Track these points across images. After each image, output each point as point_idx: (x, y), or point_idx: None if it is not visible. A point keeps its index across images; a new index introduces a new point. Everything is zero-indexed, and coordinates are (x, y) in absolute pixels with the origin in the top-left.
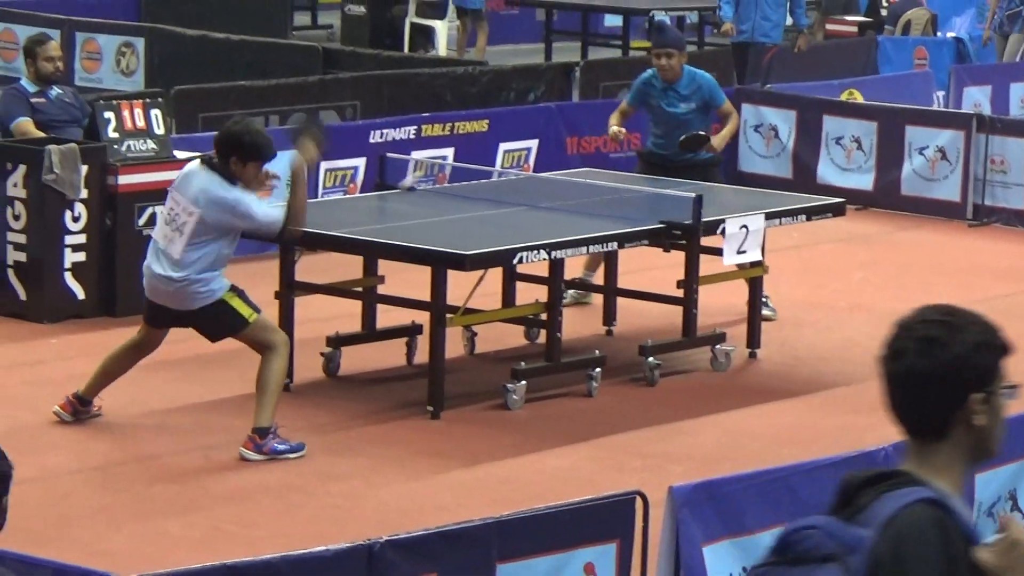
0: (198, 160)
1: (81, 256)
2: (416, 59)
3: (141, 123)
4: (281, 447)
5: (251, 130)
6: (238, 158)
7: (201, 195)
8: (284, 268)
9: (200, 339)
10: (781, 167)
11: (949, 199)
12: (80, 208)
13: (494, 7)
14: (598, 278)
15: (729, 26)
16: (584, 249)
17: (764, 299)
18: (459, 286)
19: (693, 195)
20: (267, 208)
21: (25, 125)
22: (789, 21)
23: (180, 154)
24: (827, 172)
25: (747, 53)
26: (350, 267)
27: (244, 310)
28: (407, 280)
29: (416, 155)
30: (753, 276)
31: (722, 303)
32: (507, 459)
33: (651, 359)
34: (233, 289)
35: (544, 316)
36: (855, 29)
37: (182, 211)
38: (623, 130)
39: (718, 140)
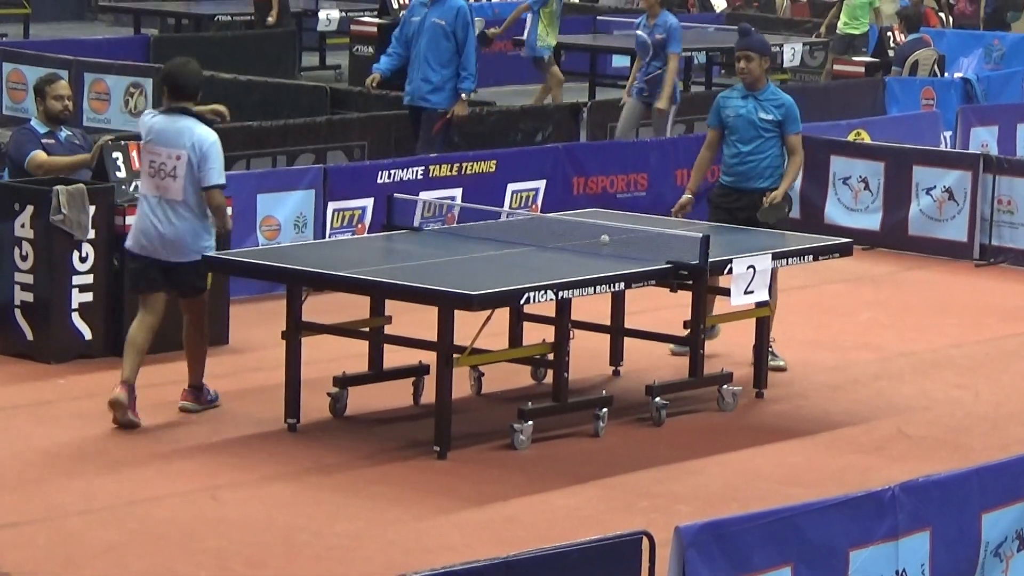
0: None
1: (88, 296)
2: None
3: None
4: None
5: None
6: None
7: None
8: (291, 308)
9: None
10: None
11: (956, 239)
12: (87, 248)
13: (501, 48)
14: (603, 318)
15: (375, 77)
16: (591, 289)
17: (771, 348)
18: (466, 326)
19: (700, 235)
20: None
21: (40, 157)
22: None
23: None
24: (834, 212)
25: (420, 118)
26: (357, 307)
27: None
28: (414, 320)
29: (424, 196)
30: (760, 316)
31: (730, 343)
32: (514, 499)
33: (658, 399)
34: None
35: (551, 356)
36: (862, 70)
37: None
38: (687, 206)
39: (782, 190)
